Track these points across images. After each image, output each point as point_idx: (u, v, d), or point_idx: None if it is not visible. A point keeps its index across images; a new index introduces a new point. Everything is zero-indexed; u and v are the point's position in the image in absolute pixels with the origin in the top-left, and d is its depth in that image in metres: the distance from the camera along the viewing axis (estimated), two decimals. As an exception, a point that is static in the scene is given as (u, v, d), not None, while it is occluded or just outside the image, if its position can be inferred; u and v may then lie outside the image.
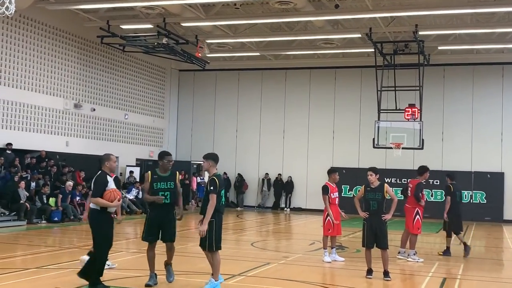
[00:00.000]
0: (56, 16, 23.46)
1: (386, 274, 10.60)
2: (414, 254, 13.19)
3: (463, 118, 28.36)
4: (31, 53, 22.66)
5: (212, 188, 8.78)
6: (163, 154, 9.32)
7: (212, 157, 9.16)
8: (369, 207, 10.81)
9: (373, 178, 10.86)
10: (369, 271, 10.72)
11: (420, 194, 13.20)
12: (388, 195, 10.80)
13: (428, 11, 21.37)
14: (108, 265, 11.13)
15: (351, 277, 10.68)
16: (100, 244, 8.70)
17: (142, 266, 9.99)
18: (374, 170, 10.96)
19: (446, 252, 14.20)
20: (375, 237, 10.69)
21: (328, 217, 12.48)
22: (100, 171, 8.88)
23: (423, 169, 13.59)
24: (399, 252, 13.45)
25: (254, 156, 31.37)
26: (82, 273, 8.77)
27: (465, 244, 14.37)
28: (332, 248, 12.78)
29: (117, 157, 28.14)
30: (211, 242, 8.79)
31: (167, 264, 9.30)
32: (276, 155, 31.03)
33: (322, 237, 12.77)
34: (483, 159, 27.75)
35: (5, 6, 10.17)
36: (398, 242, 13.77)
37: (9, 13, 10.35)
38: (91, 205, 8.79)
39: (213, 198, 8.75)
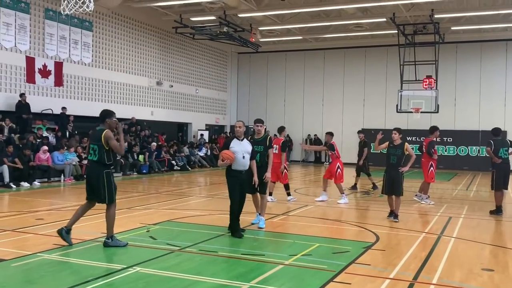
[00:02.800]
0: (140, 12, 23.76)
1: (392, 214, 10.15)
2: (427, 198, 13.03)
3: (472, 87, 27.43)
4: (122, 42, 23.09)
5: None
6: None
7: (264, 122, 9.13)
8: (389, 160, 10.27)
9: (396, 137, 10.31)
10: (392, 213, 10.23)
11: (432, 150, 12.92)
12: (407, 152, 10.21)
13: (442, -2, 20.52)
14: (272, 200, 11.74)
15: (375, 219, 10.57)
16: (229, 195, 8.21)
17: (209, 207, 10.20)
18: (398, 130, 10.40)
19: (354, 187, 15.82)
20: (392, 186, 10.19)
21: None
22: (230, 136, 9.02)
23: (433, 129, 13.27)
24: (416, 195, 13.32)
25: (299, 121, 31.23)
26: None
27: (374, 184, 15.86)
28: (342, 194, 12.76)
29: (190, 123, 28.90)
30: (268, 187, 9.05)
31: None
32: (316, 120, 30.79)
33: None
34: (489, 120, 26.82)
35: (86, 4, 10.24)
36: (416, 189, 13.59)
37: (89, 10, 10.39)
38: None
39: (272, 153, 8.96)
